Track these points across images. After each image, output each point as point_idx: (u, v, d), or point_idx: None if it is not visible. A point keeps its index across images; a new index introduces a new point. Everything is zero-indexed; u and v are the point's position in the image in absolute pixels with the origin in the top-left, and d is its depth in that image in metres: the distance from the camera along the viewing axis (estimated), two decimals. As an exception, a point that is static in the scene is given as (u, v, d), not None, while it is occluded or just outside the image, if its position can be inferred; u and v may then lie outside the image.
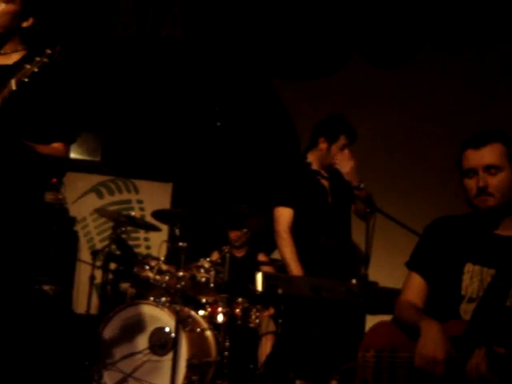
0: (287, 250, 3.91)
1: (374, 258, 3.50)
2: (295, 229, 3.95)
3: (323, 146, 3.98)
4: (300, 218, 3.96)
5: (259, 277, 3.26)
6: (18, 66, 2.61)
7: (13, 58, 2.71)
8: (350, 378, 2.39)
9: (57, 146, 2.64)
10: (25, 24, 2.72)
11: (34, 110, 2.56)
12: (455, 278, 2.38)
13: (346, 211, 4.10)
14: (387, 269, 4.28)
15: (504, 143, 2.40)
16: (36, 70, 2.31)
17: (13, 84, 2.32)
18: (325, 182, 4.07)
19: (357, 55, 6.62)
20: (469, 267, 2.37)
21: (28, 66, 2.32)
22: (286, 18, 6.53)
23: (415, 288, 2.50)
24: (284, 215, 3.99)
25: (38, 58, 2.33)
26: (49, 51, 2.34)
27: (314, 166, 4.08)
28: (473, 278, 2.35)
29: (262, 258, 5.56)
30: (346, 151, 3.90)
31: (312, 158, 4.11)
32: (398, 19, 6.40)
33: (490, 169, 2.35)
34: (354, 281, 3.61)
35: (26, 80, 2.32)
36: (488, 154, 2.37)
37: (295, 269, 3.82)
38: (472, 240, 2.42)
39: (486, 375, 2.09)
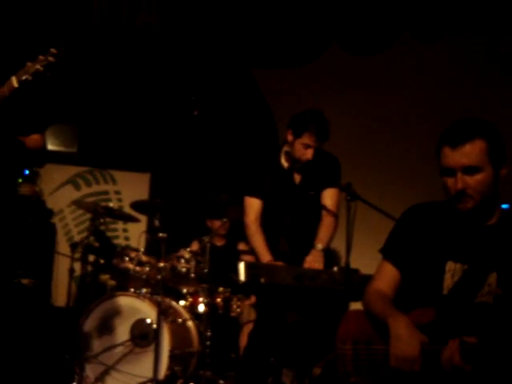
0: (255, 239, 3.96)
1: (356, 246, 3.50)
2: (264, 220, 3.98)
3: (290, 138, 3.97)
4: (267, 210, 3.99)
5: (241, 266, 3.26)
6: None
7: None
8: (333, 368, 2.38)
9: (35, 137, 2.60)
10: None
11: (23, 105, 2.52)
12: (437, 277, 2.33)
13: (316, 201, 4.08)
14: (369, 256, 4.30)
15: (485, 138, 2.23)
16: (40, 68, 2.25)
17: (14, 81, 2.27)
18: (296, 176, 4.07)
19: (335, 42, 6.60)
20: (450, 265, 2.32)
21: (30, 64, 2.26)
22: (264, 5, 6.48)
23: (387, 277, 2.45)
24: (252, 207, 4.01)
25: (41, 57, 2.27)
26: (54, 50, 2.27)
27: (286, 160, 4.07)
28: (454, 277, 2.30)
29: (242, 247, 5.55)
30: (309, 151, 3.88)
31: (286, 149, 4.10)
32: (377, 6, 6.39)
33: (468, 170, 2.22)
34: (335, 268, 3.63)
35: (30, 78, 2.26)
36: (466, 155, 2.21)
37: (264, 257, 3.84)
38: (453, 236, 2.35)
39: (460, 365, 2.10)
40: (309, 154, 3.88)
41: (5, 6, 2.68)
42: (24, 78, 2.27)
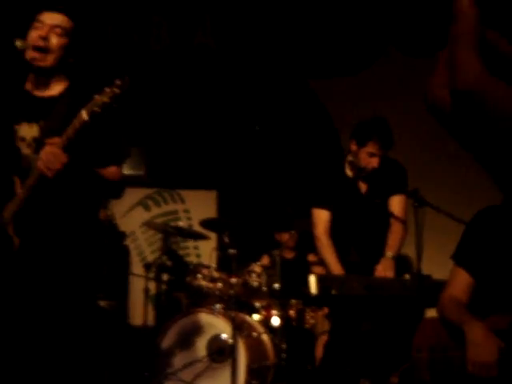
0: (325, 251, 3.96)
1: (426, 252, 3.48)
2: (334, 231, 3.98)
3: (354, 147, 3.97)
4: (337, 220, 3.99)
5: (312, 279, 3.28)
6: (65, 96, 2.68)
7: (56, 89, 2.75)
8: (410, 377, 2.38)
9: (112, 169, 2.70)
10: (71, 59, 2.74)
11: (98, 138, 2.61)
12: None
13: (383, 209, 4.07)
14: (440, 261, 4.25)
15: None
16: (107, 100, 2.33)
17: (84, 114, 2.35)
18: (362, 185, 4.06)
19: (391, 46, 6.57)
20: None
21: (98, 97, 2.34)
22: (315, 17, 6.52)
23: (460, 283, 2.45)
24: (320, 218, 4.01)
25: (107, 89, 2.34)
26: (119, 82, 2.36)
27: (351, 169, 4.07)
28: None
29: (312, 258, 5.56)
30: (374, 160, 3.87)
31: (350, 158, 4.11)
32: (433, 6, 6.32)
33: None
34: (407, 276, 3.61)
35: (98, 111, 2.34)
36: None
37: (335, 269, 3.84)
38: None
39: None
40: (374, 162, 3.87)
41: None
42: (93, 110, 2.35)
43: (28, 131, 2.68)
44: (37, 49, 2.62)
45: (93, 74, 2.69)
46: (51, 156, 2.42)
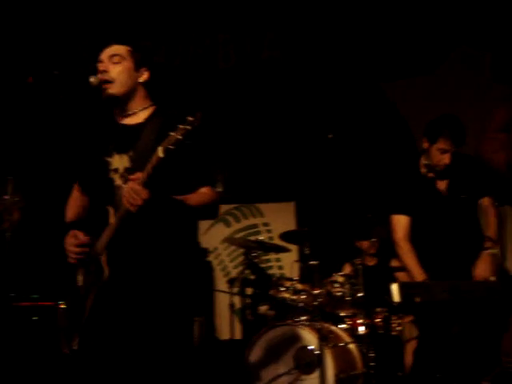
0: (406, 257, 3.92)
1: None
2: (414, 235, 3.93)
3: (425, 145, 3.94)
4: (417, 225, 3.93)
5: (394, 287, 3.25)
6: (149, 123, 2.79)
7: (142, 116, 2.86)
8: (501, 382, 2.34)
9: (204, 190, 2.79)
10: (141, 79, 2.87)
11: (180, 169, 2.71)
12: None
13: (469, 208, 3.99)
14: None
15: None
16: (180, 137, 2.43)
17: (160, 152, 2.45)
18: (441, 185, 4.00)
19: (462, 43, 6.45)
20: None
21: (172, 134, 2.44)
22: (381, 21, 6.48)
23: None
24: (400, 223, 3.98)
25: (181, 126, 2.43)
26: (191, 119, 2.45)
27: (425, 169, 4.02)
28: None
29: (395, 263, 5.51)
30: (445, 156, 3.82)
31: (424, 160, 4.06)
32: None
33: None
34: (492, 278, 3.54)
35: (172, 148, 2.45)
36: None
37: (417, 275, 3.80)
38: None
39: None
40: (446, 158, 3.83)
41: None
42: (168, 148, 2.45)
43: (119, 162, 2.80)
44: (103, 82, 2.79)
45: (173, 96, 2.78)
46: (133, 193, 2.53)
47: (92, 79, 2.78)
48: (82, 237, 2.79)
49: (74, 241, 2.79)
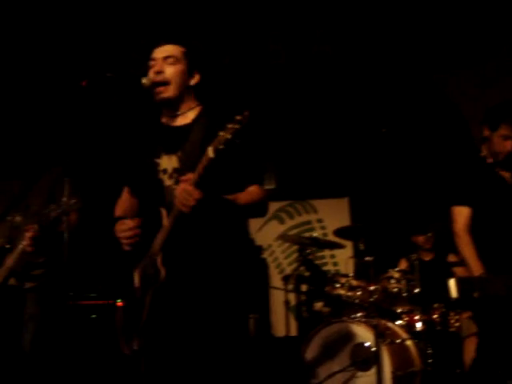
0: (465, 250, 3.81)
1: None
2: (474, 227, 3.84)
3: (486, 133, 3.85)
4: (479, 216, 3.84)
5: (452, 283, 3.20)
6: (197, 123, 2.80)
7: (189, 117, 2.87)
8: None
9: (252, 189, 2.79)
10: (192, 82, 2.87)
11: (230, 169, 2.71)
12: None
13: None
14: None
15: None
16: (229, 137, 2.43)
17: (210, 152, 2.46)
18: (505, 173, 3.91)
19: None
20: None
21: (222, 133, 2.44)
22: (434, 12, 6.38)
23: None
24: (461, 214, 3.89)
25: (229, 125, 2.43)
26: (239, 117, 2.45)
27: (488, 158, 3.94)
28: None
29: (452, 258, 5.42)
30: (508, 143, 3.72)
31: (485, 149, 3.97)
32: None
33: None
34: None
35: (222, 147, 2.46)
36: None
37: (475, 268, 3.71)
38: None
39: None
40: (509, 145, 3.75)
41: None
42: (218, 148, 2.45)
43: (168, 163, 2.82)
44: (156, 84, 2.78)
45: (221, 95, 2.78)
46: (185, 194, 2.54)
47: (144, 80, 2.78)
48: (129, 222, 2.80)
49: (123, 227, 2.81)
